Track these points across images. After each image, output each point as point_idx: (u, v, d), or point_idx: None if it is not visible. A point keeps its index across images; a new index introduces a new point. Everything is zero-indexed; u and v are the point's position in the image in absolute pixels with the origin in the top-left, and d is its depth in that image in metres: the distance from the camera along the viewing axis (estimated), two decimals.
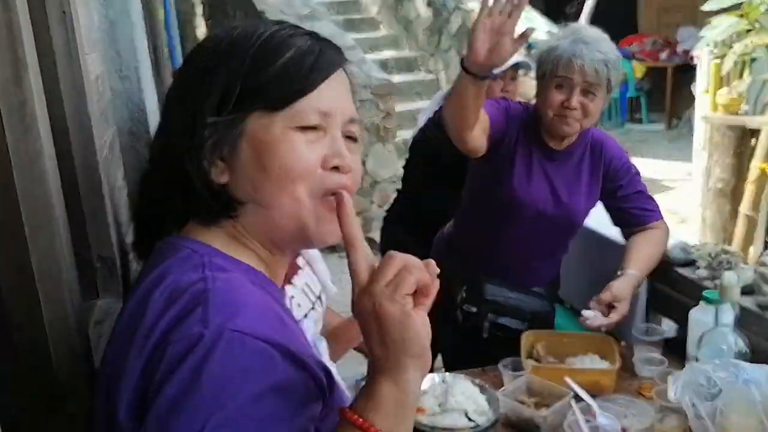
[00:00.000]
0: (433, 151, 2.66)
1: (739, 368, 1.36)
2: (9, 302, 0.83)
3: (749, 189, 4.15)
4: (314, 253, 1.45)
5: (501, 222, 2.02)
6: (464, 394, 1.69)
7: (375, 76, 5.78)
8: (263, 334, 0.70)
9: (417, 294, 0.74)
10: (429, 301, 0.76)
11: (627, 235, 2.05)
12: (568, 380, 1.66)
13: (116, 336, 0.79)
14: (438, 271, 0.77)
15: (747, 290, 1.70)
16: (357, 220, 0.78)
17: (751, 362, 1.47)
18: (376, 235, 3.07)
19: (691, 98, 6.08)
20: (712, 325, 1.53)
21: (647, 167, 6.79)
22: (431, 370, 2.90)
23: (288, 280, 1.39)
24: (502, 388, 1.69)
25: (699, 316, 1.65)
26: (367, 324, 0.72)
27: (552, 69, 1.88)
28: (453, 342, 2.26)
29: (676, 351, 1.81)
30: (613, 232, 2.15)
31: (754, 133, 4.26)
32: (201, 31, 7.94)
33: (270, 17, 5.77)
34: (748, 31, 4.23)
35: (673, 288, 1.98)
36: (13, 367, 0.84)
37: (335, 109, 0.81)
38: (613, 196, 2.03)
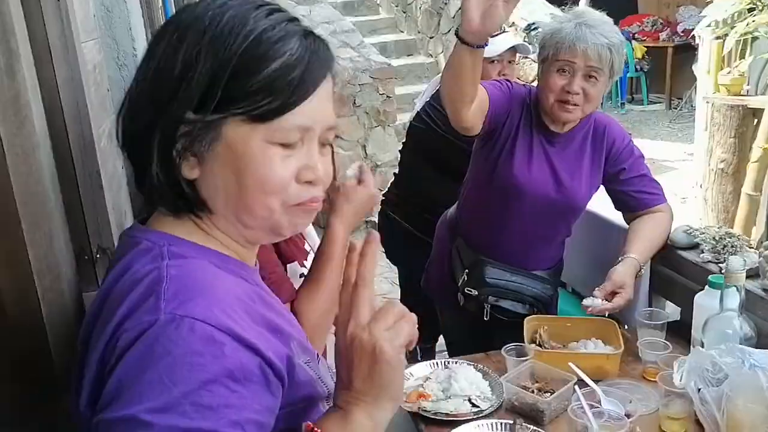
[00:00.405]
0: (429, 134, 2.66)
1: (746, 353, 1.35)
2: (7, 297, 0.82)
3: (752, 169, 4.13)
4: (309, 229, 1.48)
5: (502, 205, 2.01)
6: (468, 380, 1.69)
7: (374, 60, 5.74)
8: (215, 319, 0.69)
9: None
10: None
11: (629, 219, 2.04)
12: (572, 366, 1.66)
13: (81, 334, 0.79)
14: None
15: (752, 274, 1.69)
16: (375, 258, 0.79)
17: (756, 346, 1.47)
18: (377, 218, 3.07)
19: (692, 78, 6.05)
20: (717, 310, 1.52)
21: (648, 148, 6.77)
22: (432, 355, 2.93)
23: (301, 264, 1.44)
24: (506, 374, 1.68)
25: (704, 300, 1.64)
26: (360, 359, 0.75)
27: (554, 53, 1.86)
28: (455, 324, 2.28)
29: (679, 335, 1.81)
30: (617, 216, 2.14)
31: (756, 112, 4.24)
32: None
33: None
34: (751, 10, 4.19)
35: (676, 271, 1.97)
36: (12, 361, 0.83)
37: (316, 123, 0.80)
38: (616, 179, 2.01)
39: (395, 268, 3.11)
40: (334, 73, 0.83)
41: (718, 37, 4.44)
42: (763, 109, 4.08)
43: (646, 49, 8.86)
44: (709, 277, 1.66)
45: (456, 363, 1.80)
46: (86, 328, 0.78)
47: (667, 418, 1.52)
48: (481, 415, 1.60)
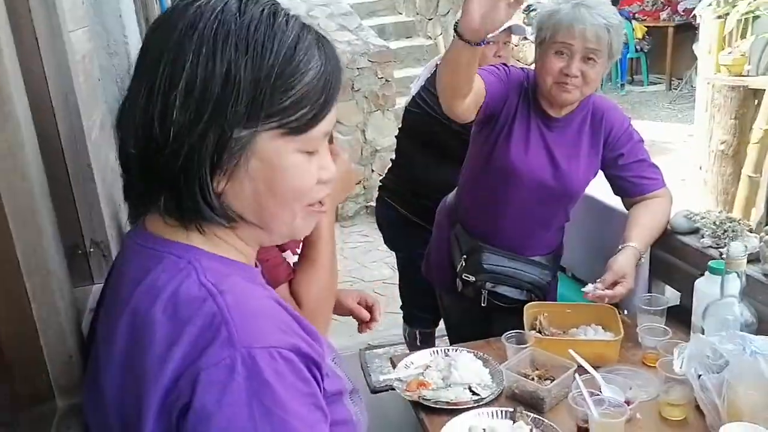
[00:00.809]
0: (424, 119, 2.64)
1: (747, 340, 1.34)
2: None
3: (752, 150, 4.11)
4: None
5: (500, 191, 2.00)
6: (468, 368, 1.69)
7: (373, 43, 5.69)
8: (283, 341, 0.72)
9: None
10: None
11: (628, 205, 2.02)
12: (572, 353, 1.65)
13: (114, 355, 0.75)
14: None
15: (753, 258, 1.68)
16: None
17: (757, 332, 1.46)
18: (375, 204, 3.06)
19: (692, 58, 6.00)
20: (717, 296, 1.51)
21: (648, 129, 6.74)
22: (432, 340, 2.93)
23: (294, 252, 1.42)
24: (506, 361, 1.68)
25: (704, 286, 1.63)
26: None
27: (552, 34, 1.83)
28: (455, 309, 2.28)
29: (679, 319, 1.80)
30: (616, 201, 2.12)
31: (757, 93, 4.20)
32: None
33: None
34: None
35: (676, 256, 1.95)
36: (3, 362, 0.82)
37: (333, 125, 0.82)
38: (614, 165, 1.99)
39: (394, 254, 3.10)
40: None
41: (719, 17, 4.40)
42: (764, 90, 4.05)
43: (646, 29, 8.78)
44: (710, 263, 1.65)
45: (456, 351, 1.79)
46: (124, 351, 0.75)
47: (667, 405, 1.51)
48: (481, 403, 1.59)
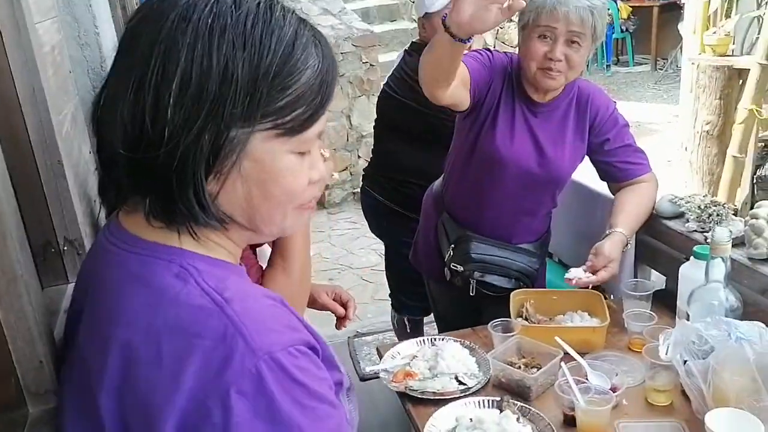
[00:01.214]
0: (388, 102, 2.63)
1: (732, 326, 1.33)
2: None
3: (737, 130, 4.11)
4: None
5: (486, 178, 1.98)
6: (454, 358, 1.68)
7: (356, 27, 5.63)
8: (296, 338, 0.72)
9: None
10: None
11: (614, 190, 2.01)
12: (558, 340, 1.65)
13: (110, 372, 0.71)
14: None
15: (738, 242, 1.67)
16: None
17: (742, 317, 1.45)
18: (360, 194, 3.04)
19: (678, 38, 5.98)
20: (702, 280, 1.50)
21: (633, 110, 6.75)
22: (421, 329, 2.92)
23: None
24: (493, 350, 1.67)
25: (689, 271, 1.63)
26: None
27: (535, 18, 1.81)
28: (443, 297, 2.27)
29: (665, 303, 1.80)
30: (603, 186, 2.11)
31: (742, 73, 4.20)
32: None
33: None
34: None
35: (661, 241, 1.95)
36: None
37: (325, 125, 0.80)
38: (600, 150, 1.97)
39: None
40: None
41: None
42: (748, 70, 4.04)
43: (631, 8, 8.76)
44: (695, 248, 1.64)
45: (443, 340, 1.78)
46: (99, 351, 0.71)
47: (653, 390, 1.51)
48: (468, 392, 1.59)
